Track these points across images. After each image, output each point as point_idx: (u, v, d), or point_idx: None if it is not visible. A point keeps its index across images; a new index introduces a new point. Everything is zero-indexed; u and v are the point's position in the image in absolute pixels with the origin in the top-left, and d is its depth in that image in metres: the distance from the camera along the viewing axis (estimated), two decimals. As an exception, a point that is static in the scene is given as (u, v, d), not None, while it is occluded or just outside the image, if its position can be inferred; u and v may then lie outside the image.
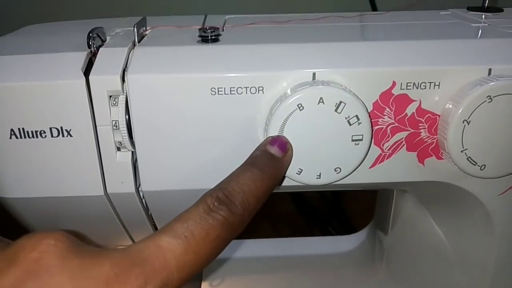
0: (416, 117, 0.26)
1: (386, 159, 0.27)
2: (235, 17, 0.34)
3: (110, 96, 0.25)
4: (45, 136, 0.25)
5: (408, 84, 0.25)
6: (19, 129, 0.25)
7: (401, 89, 0.25)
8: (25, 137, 0.25)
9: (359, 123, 0.24)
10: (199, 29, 0.27)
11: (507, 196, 0.29)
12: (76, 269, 0.17)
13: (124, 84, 0.25)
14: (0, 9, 0.67)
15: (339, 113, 0.24)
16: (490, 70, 0.25)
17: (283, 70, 0.25)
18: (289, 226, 0.61)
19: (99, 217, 0.29)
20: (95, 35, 0.26)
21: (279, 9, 0.65)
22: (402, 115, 0.26)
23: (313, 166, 0.25)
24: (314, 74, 0.25)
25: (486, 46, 0.26)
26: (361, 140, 0.25)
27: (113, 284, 0.17)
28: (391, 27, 0.31)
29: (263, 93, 0.25)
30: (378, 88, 0.25)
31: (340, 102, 0.24)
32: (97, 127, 0.25)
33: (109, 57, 0.25)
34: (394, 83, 0.25)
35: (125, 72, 0.25)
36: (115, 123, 0.25)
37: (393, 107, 0.25)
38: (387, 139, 0.26)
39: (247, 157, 0.24)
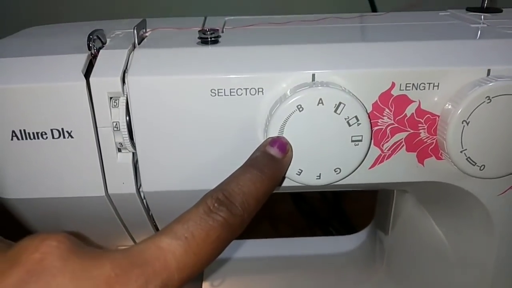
0: (416, 117, 0.26)
1: (386, 159, 0.27)
2: (234, 19, 0.34)
3: (111, 98, 0.25)
4: (46, 137, 0.25)
5: (408, 85, 0.25)
6: (20, 130, 0.25)
7: (400, 89, 0.25)
8: (26, 138, 0.25)
9: (358, 124, 0.24)
10: (199, 30, 0.27)
11: (507, 196, 0.29)
12: (78, 270, 0.17)
13: (125, 86, 0.25)
14: (1, 11, 0.67)
15: (339, 114, 0.24)
16: (489, 70, 0.25)
17: (282, 71, 0.25)
18: (290, 226, 0.61)
19: (100, 217, 0.29)
20: (95, 37, 0.26)
21: (278, 10, 0.66)
22: (402, 115, 0.26)
23: (313, 167, 0.25)
24: (313, 75, 0.25)
25: (485, 47, 0.27)
26: (360, 140, 0.25)
27: (114, 285, 0.17)
28: (390, 28, 0.31)
29: (262, 94, 0.25)
30: (378, 89, 0.25)
31: (340, 103, 0.24)
32: (98, 129, 0.25)
33: (109, 59, 0.25)
34: (393, 84, 0.25)
35: (126, 74, 0.25)
36: (116, 124, 0.25)
37: (392, 107, 0.26)
38: (387, 140, 0.26)
39: (247, 158, 0.24)
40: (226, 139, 0.26)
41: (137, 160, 0.26)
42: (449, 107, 0.25)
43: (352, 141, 0.25)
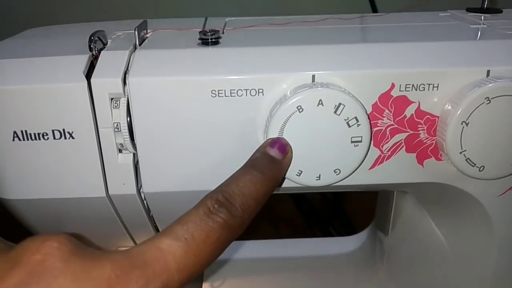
0: (415, 118, 0.26)
1: (386, 160, 0.27)
2: (235, 20, 0.34)
3: (112, 99, 0.25)
4: (48, 138, 0.25)
5: (407, 86, 0.25)
6: (21, 131, 0.25)
7: (400, 90, 0.25)
8: (27, 139, 0.25)
9: (358, 125, 0.24)
10: (200, 31, 0.28)
11: (506, 197, 0.29)
12: (78, 271, 0.17)
13: (126, 87, 0.25)
14: (2, 12, 0.67)
15: (338, 115, 0.24)
16: (488, 71, 0.25)
17: (283, 72, 0.25)
18: (290, 227, 0.61)
19: (101, 218, 0.29)
20: (96, 38, 0.26)
21: (279, 11, 0.66)
22: (401, 116, 0.26)
23: (312, 168, 0.25)
24: (313, 76, 0.25)
25: (485, 48, 0.27)
26: (360, 141, 0.25)
27: (114, 286, 0.17)
28: (390, 28, 0.31)
29: (263, 95, 0.25)
30: (377, 90, 0.25)
31: (339, 104, 0.24)
32: (99, 129, 0.25)
33: (110, 60, 0.25)
34: (393, 85, 0.25)
35: (126, 75, 0.25)
36: (117, 125, 0.25)
37: (392, 108, 0.26)
38: (386, 141, 0.26)
39: (247, 159, 0.24)
40: (226, 140, 0.26)
41: (137, 161, 0.26)
42: (449, 108, 0.25)
43: (352, 142, 0.25)
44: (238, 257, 0.45)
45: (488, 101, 0.24)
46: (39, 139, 0.25)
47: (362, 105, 0.24)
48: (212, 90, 0.25)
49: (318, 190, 0.27)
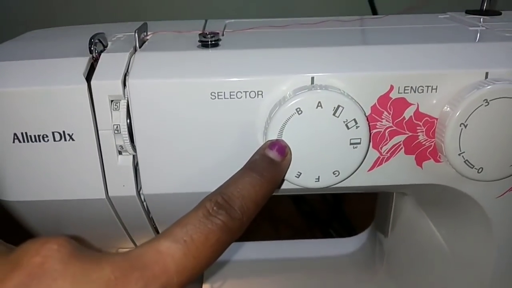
0: (414, 120, 0.26)
1: (384, 162, 0.27)
2: (235, 22, 0.34)
3: (112, 101, 0.25)
4: (48, 140, 0.25)
5: (406, 88, 0.25)
6: (22, 133, 0.25)
7: (398, 92, 0.25)
8: (27, 141, 0.25)
9: (357, 127, 0.24)
10: (199, 34, 0.28)
11: (505, 199, 0.29)
12: (78, 274, 0.17)
13: (125, 89, 0.25)
14: (2, 15, 0.67)
15: (337, 117, 0.24)
16: (487, 73, 0.25)
17: (282, 74, 0.25)
18: (290, 228, 0.61)
19: (101, 220, 0.29)
20: (96, 41, 0.26)
21: (278, 13, 0.66)
22: (400, 118, 0.26)
23: (312, 170, 0.25)
24: (312, 78, 0.25)
25: (483, 50, 0.27)
26: (359, 143, 0.25)
27: (114, 288, 0.17)
28: (389, 31, 0.31)
29: (262, 97, 0.25)
30: (376, 92, 0.25)
31: (338, 106, 0.24)
32: (99, 131, 0.25)
33: (110, 62, 0.26)
34: (391, 87, 0.25)
35: (126, 77, 0.25)
36: (117, 127, 0.25)
37: (391, 110, 0.26)
38: (385, 143, 0.26)
39: (246, 161, 0.24)
40: (225, 142, 0.26)
41: (137, 163, 0.27)
42: (447, 110, 0.25)
43: (351, 144, 0.25)
44: (238, 258, 0.45)
45: (487, 103, 0.24)
46: (39, 141, 0.25)
47: (361, 107, 0.24)
48: (211, 92, 0.25)
49: (317, 192, 0.27)
